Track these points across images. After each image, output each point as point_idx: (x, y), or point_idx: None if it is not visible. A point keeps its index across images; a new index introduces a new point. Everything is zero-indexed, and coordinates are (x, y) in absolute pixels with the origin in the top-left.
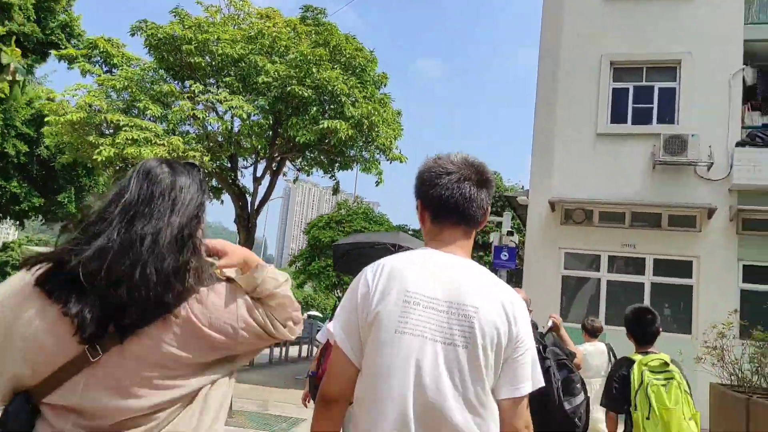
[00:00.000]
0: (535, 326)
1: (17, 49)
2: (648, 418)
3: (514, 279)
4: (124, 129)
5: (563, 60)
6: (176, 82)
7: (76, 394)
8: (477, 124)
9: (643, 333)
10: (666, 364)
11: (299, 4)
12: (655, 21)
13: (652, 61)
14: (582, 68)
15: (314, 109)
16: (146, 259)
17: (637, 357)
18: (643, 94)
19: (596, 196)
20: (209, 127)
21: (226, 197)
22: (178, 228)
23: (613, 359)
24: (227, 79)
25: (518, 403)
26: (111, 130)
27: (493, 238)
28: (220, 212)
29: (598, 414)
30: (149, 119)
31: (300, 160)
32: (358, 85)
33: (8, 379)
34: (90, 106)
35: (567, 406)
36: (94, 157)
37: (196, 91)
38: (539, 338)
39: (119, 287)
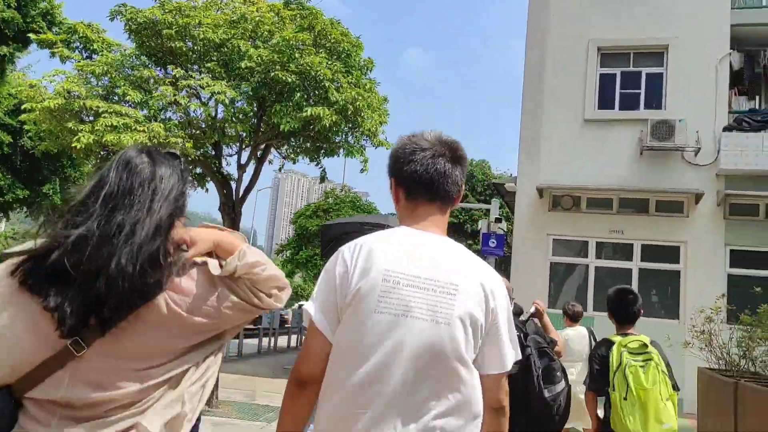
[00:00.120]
0: (518, 313)
1: None
2: (625, 399)
3: (503, 267)
4: (103, 115)
5: (550, 46)
6: (159, 68)
7: (60, 388)
8: (473, 119)
9: (625, 313)
10: (645, 345)
11: None
12: (642, 6)
13: (639, 47)
14: (569, 54)
15: (298, 95)
16: (124, 250)
17: (617, 338)
18: (630, 80)
19: (584, 182)
20: (192, 114)
21: (211, 185)
22: (158, 218)
23: (593, 343)
24: (209, 64)
25: (503, 377)
26: (91, 118)
27: (481, 225)
28: (206, 201)
29: (581, 396)
30: (129, 105)
31: (285, 147)
32: (343, 71)
33: None
34: (68, 92)
35: (546, 394)
36: (73, 144)
37: (177, 76)
38: (521, 326)
39: (98, 279)
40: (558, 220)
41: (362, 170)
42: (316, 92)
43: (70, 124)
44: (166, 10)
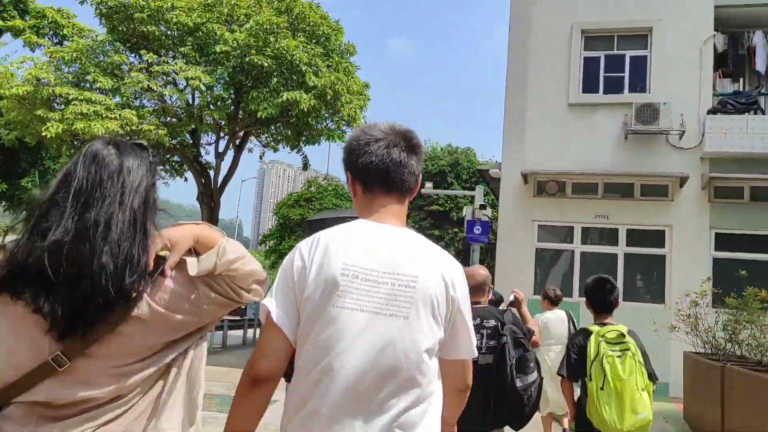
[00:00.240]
0: (497, 302)
1: None
2: (602, 389)
3: (489, 254)
4: (73, 103)
5: (534, 29)
6: (133, 54)
7: (44, 391)
8: (459, 106)
9: (603, 302)
10: (622, 335)
11: None
12: None
13: (623, 29)
14: (553, 37)
15: (275, 80)
16: (102, 247)
17: (595, 328)
18: (614, 63)
19: (569, 168)
20: (168, 101)
21: (190, 175)
22: (131, 211)
23: (572, 327)
24: (184, 49)
25: (467, 362)
26: (63, 106)
27: (466, 212)
28: (184, 191)
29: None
30: (100, 92)
31: (265, 135)
32: (322, 55)
33: None
34: (38, 79)
35: (519, 384)
36: (43, 133)
37: (149, 61)
38: (498, 315)
39: (82, 279)
40: (543, 205)
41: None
42: (294, 77)
43: (39, 112)
44: None
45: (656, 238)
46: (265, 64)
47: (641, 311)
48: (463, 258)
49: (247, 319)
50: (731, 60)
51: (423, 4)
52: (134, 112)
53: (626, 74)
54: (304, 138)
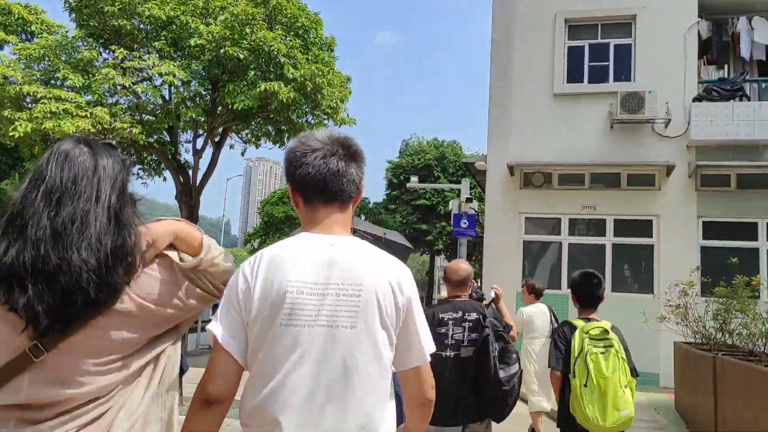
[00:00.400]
0: (479, 299)
1: None
2: (585, 386)
3: (477, 247)
4: (41, 101)
5: (517, 18)
6: (106, 51)
7: (21, 392)
8: (445, 100)
9: (589, 296)
10: (606, 331)
11: None
12: None
13: (607, 17)
14: (536, 27)
15: (252, 72)
16: (82, 243)
17: (579, 323)
18: (598, 52)
19: (555, 159)
20: (142, 97)
21: (168, 174)
22: (109, 207)
23: (554, 320)
24: (157, 43)
25: (422, 370)
26: (33, 104)
27: (452, 205)
28: (164, 190)
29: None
30: (71, 90)
31: (246, 132)
32: (301, 47)
33: None
34: (5, 77)
35: (502, 375)
36: (11, 133)
37: (120, 57)
38: (480, 309)
39: (59, 275)
40: (530, 197)
41: None
42: (271, 69)
43: (6, 112)
44: None
45: (644, 227)
46: (242, 57)
47: (630, 302)
48: (451, 252)
49: None
50: (716, 47)
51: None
52: (106, 110)
53: (611, 63)
54: (286, 134)
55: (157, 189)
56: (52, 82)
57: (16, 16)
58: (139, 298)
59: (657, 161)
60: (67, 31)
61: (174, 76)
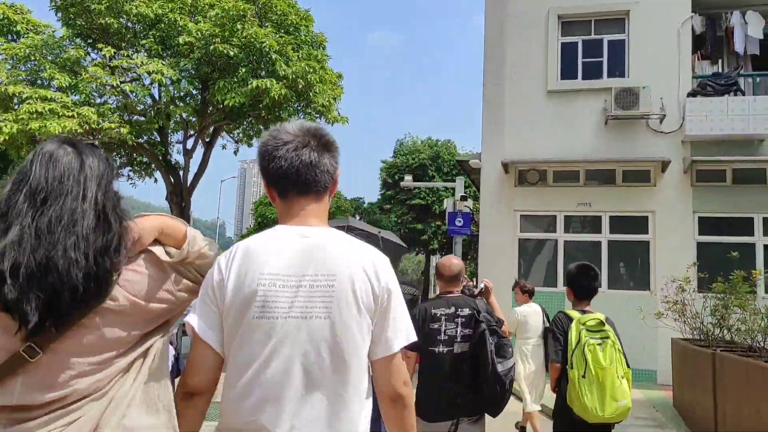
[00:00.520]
0: (471, 294)
1: None
2: (583, 377)
3: (472, 245)
4: (27, 102)
5: (510, 15)
6: (95, 51)
7: (14, 395)
8: (440, 99)
9: (586, 289)
10: (602, 323)
11: None
12: None
13: (600, 13)
14: (529, 23)
15: (243, 69)
16: (68, 241)
17: (576, 315)
18: (592, 48)
19: (549, 156)
20: (131, 97)
21: (160, 175)
22: (96, 205)
23: (546, 319)
24: (145, 42)
25: (391, 361)
26: (19, 105)
27: (447, 204)
28: (155, 192)
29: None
30: (57, 90)
31: (238, 131)
32: (293, 43)
33: None
34: None
35: (500, 368)
36: None
37: (108, 56)
38: (473, 304)
39: (48, 273)
40: (525, 195)
41: None
42: (263, 66)
43: None
44: None
45: (639, 224)
46: (232, 54)
47: (627, 299)
48: (446, 251)
49: None
50: (709, 42)
51: None
52: (93, 110)
53: (605, 59)
54: None
55: (144, 190)
56: (39, 82)
57: (1, 17)
58: (131, 296)
59: (652, 157)
60: (54, 31)
61: (163, 74)
